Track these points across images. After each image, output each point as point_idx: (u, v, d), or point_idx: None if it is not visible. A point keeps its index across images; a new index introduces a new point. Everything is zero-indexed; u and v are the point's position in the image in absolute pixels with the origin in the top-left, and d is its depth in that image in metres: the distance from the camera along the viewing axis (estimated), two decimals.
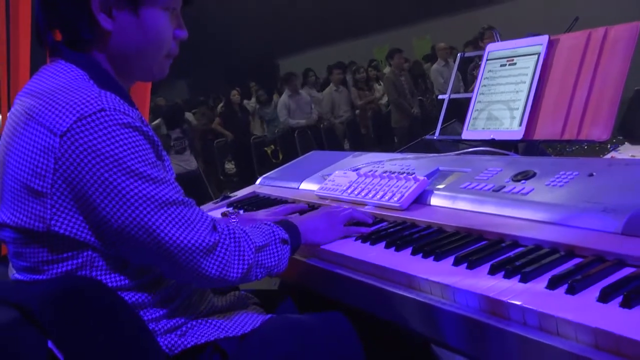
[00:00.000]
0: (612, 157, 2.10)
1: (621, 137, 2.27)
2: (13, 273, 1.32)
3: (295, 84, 10.17)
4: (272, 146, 9.66)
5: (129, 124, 1.20)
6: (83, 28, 1.30)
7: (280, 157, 9.22)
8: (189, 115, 10.17)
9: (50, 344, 1.17)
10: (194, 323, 1.36)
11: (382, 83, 10.82)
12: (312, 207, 1.91)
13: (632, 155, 2.07)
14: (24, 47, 2.68)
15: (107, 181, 1.17)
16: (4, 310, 1.18)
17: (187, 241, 1.22)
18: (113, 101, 1.21)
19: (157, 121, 7.76)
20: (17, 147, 1.22)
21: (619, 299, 0.96)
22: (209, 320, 1.38)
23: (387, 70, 10.50)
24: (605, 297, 0.98)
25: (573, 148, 2.32)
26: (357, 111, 10.60)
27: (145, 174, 1.20)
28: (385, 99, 10.63)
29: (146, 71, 1.41)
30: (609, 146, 2.23)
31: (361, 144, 9.90)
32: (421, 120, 9.49)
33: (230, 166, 10.21)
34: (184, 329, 1.34)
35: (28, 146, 1.20)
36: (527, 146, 2.04)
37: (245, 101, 11.31)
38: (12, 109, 1.31)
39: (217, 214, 2.09)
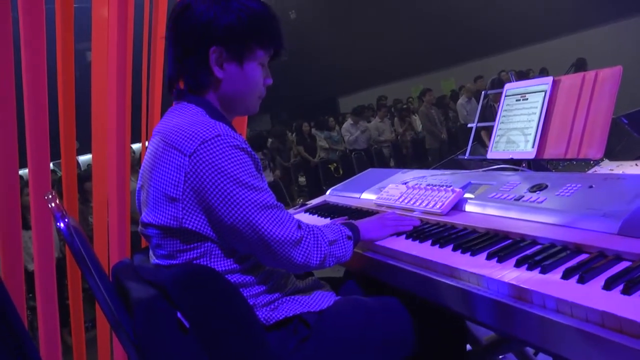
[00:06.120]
0: (595, 171, 2.03)
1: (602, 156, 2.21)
2: (153, 259, 1.36)
3: (366, 115, 10.19)
4: (335, 164, 9.64)
5: (238, 146, 1.22)
6: (202, 77, 1.34)
7: (341, 172, 9.20)
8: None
9: (178, 314, 1.20)
10: (283, 300, 1.35)
11: (417, 115, 10.72)
12: (371, 212, 1.87)
13: (610, 170, 2.01)
14: (158, 95, 2.78)
15: (222, 189, 1.19)
16: (148, 289, 1.23)
17: (280, 235, 1.23)
18: (225, 129, 1.23)
19: None
20: (158, 166, 1.25)
21: (620, 287, 0.92)
22: (294, 297, 1.37)
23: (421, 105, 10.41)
24: (609, 285, 0.94)
25: (565, 164, 2.26)
26: (399, 136, 10.52)
27: (250, 184, 1.21)
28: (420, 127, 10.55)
29: (244, 108, 1.43)
30: (592, 162, 2.16)
31: (403, 163, 9.82)
32: (448, 143, 9.39)
33: (302, 179, 10.22)
34: (276, 304, 1.33)
35: (166, 164, 1.23)
36: (533, 163, 1.99)
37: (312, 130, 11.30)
38: (151, 140, 1.35)
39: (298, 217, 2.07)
